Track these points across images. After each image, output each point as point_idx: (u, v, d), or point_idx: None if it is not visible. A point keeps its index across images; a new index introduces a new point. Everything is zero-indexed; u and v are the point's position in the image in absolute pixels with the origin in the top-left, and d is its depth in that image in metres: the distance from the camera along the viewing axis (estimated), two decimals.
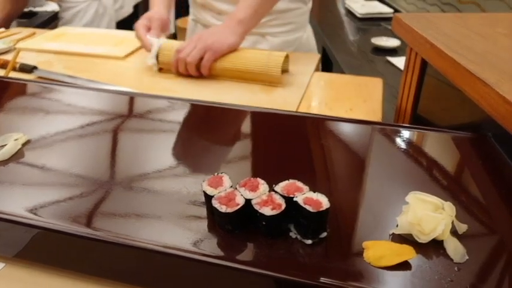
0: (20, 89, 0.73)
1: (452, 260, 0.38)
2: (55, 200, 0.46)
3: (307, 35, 1.20)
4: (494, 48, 0.61)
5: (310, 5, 1.17)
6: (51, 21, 1.63)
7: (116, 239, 0.41)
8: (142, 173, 0.51)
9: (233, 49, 0.90)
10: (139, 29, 0.96)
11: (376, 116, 0.77)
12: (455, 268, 0.38)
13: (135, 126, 0.62)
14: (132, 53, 1.04)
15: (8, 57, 0.97)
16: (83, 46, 1.06)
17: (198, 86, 0.88)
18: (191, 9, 1.21)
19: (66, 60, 0.99)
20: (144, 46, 0.95)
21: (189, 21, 1.26)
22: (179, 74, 0.91)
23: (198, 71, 0.89)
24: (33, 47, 1.06)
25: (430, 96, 0.73)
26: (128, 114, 0.65)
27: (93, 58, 1.01)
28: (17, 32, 1.19)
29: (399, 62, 1.46)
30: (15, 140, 0.54)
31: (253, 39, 1.11)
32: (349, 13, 2.12)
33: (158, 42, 0.92)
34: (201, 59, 0.88)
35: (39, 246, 0.45)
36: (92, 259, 0.44)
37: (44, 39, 1.12)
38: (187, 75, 0.90)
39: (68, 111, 0.65)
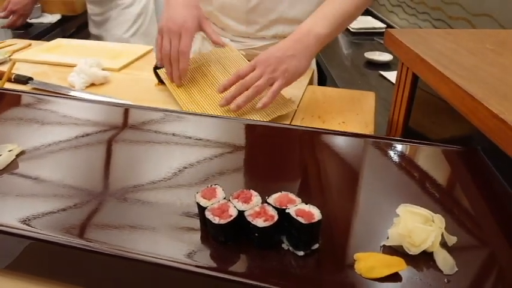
0: (14, 100, 0.73)
1: (442, 271, 0.39)
2: (48, 211, 0.46)
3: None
4: (483, 64, 0.63)
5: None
6: (47, 32, 1.64)
7: (109, 250, 0.41)
8: (136, 184, 0.51)
9: (301, 76, 0.76)
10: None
11: (369, 129, 0.78)
12: (445, 280, 0.38)
13: (129, 138, 0.62)
14: (128, 65, 1.05)
15: (4, 68, 0.97)
16: (78, 58, 1.06)
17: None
18: None
19: (61, 72, 0.99)
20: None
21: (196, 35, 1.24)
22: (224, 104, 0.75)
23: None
24: (29, 58, 1.07)
25: (421, 109, 0.74)
26: (122, 126, 0.65)
27: None
28: (13, 43, 1.19)
29: (392, 76, 1.48)
30: (10, 150, 0.54)
31: (249, 55, 1.08)
32: None
33: None
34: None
35: (31, 258, 0.45)
36: (84, 270, 0.44)
37: (39, 50, 1.12)
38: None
39: (63, 123, 0.65)
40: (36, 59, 1.07)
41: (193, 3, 0.82)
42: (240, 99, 0.73)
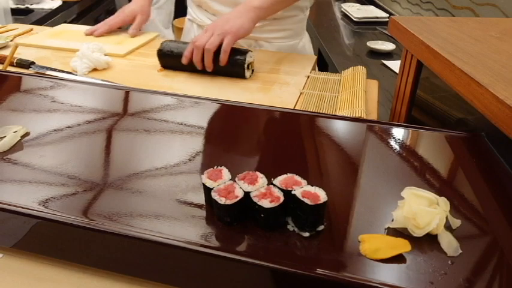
0: (19, 82, 0.73)
1: (446, 253, 0.39)
2: (54, 191, 0.46)
3: (303, 42, 1.20)
4: (488, 51, 0.63)
5: (307, 13, 1.17)
6: (48, 18, 1.63)
7: (114, 229, 0.41)
8: (142, 168, 0.51)
9: (247, 34, 0.91)
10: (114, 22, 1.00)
11: (372, 116, 0.78)
12: (449, 261, 0.39)
13: (133, 122, 0.62)
14: (133, 51, 1.04)
15: (6, 52, 0.97)
16: (82, 44, 1.06)
17: (195, 84, 0.89)
18: (188, 9, 1.22)
19: (63, 57, 0.99)
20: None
21: (185, 21, 1.27)
22: (188, 67, 0.89)
23: (213, 62, 0.88)
24: (34, 43, 1.06)
25: (424, 97, 0.74)
26: (125, 110, 0.65)
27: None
28: (14, 27, 1.18)
29: (394, 65, 1.48)
30: (14, 132, 0.55)
31: (246, 43, 1.11)
32: (345, 17, 2.14)
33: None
34: (219, 45, 0.86)
35: (37, 237, 0.46)
36: (89, 250, 0.44)
37: (44, 35, 1.11)
38: (191, 71, 0.90)
39: (67, 106, 0.65)
40: (41, 43, 1.06)
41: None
42: (197, 57, 0.88)
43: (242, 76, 0.90)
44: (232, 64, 0.88)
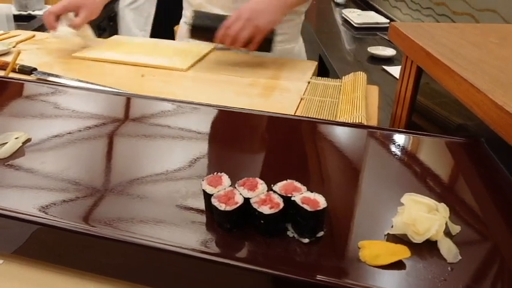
0: (21, 88, 0.73)
1: (445, 260, 0.39)
2: (55, 197, 0.46)
3: (299, 46, 1.22)
4: (487, 57, 0.63)
5: (302, 17, 1.19)
6: None
7: (114, 235, 0.41)
8: (142, 174, 0.51)
9: (275, 27, 0.96)
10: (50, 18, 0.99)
11: (373, 122, 0.78)
12: (449, 268, 0.39)
13: (136, 127, 0.63)
14: (194, 64, 1.02)
15: (8, 58, 0.98)
16: (141, 56, 1.04)
17: (195, 89, 0.89)
18: (184, 12, 1.23)
19: (64, 63, 1.00)
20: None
21: (181, 23, 1.28)
22: (219, 43, 0.97)
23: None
24: (90, 56, 1.03)
25: (424, 102, 0.74)
26: (127, 117, 0.66)
27: (95, 62, 1.01)
28: (17, 34, 1.19)
29: (394, 70, 1.48)
30: (16, 138, 0.55)
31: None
32: (346, 22, 2.15)
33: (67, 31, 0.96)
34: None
35: (38, 243, 0.46)
36: (90, 256, 0.44)
37: (99, 50, 1.07)
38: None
39: (68, 112, 0.66)
40: (100, 57, 1.02)
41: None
42: (228, 42, 0.94)
43: (269, 51, 0.98)
44: (263, 40, 0.95)
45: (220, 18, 0.95)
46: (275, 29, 0.96)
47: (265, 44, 0.96)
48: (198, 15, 0.99)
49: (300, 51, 1.22)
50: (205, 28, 0.97)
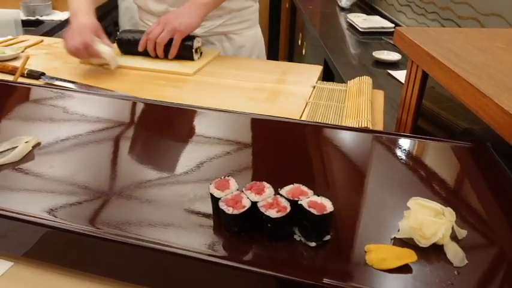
0: (30, 93, 0.74)
1: (452, 264, 0.39)
2: (64, 200, 0.47)
3: (260, 32, 1.30)
4: (493, 62, 0.63)
5: (257, 4, 1.27)
6: (58, 29, 1.66)
7: (123, 238, 0.41)
8: (151, 176, 0.52)
9: (194, 30, 1.03)
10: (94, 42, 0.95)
11: (378, 126, 0.78)
12: (455, 272, 0.39)
13: (143, 131, 0.63)
14: (201, 69, 1.03)
15: (17, 63, 0.99)
16: (151, 62, 1.04)
17: (202, 94, 0.90)
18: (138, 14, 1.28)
19: (72, 68, 1.01)
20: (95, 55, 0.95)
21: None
22: (143, 53, 1.04)
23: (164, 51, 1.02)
24: (133, 65, 1.02)
25: (430, 107, 0.75)
26: (135, 119, 0.66)
27: (102, 67, 1.01)
28: (25, 39, 1.21)
29: (400, 75, 1.48)
30: (26, 142, 0.56)
31: (218, 38, 1.19)
32: (351, 27, 2.15)
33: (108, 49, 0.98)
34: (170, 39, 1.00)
35: (47, 246, 0.46)
36: (98, 259, 0.45)
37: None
38: (145, 55, 1.03)
39: (77, 116, 0.66)
40: (141, 66, 1.02)
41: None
42: (150, 47, 1.02)
43: (191, 58, 1.04)
44: (182, 48, 1.02)
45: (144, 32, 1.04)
46: (195, 37, 1.03)
47: (185, 51, 1.03)
48: (124, 31, 1.08)
49: (261, 36, 1.30)
50: (131, 41, 1.06)
